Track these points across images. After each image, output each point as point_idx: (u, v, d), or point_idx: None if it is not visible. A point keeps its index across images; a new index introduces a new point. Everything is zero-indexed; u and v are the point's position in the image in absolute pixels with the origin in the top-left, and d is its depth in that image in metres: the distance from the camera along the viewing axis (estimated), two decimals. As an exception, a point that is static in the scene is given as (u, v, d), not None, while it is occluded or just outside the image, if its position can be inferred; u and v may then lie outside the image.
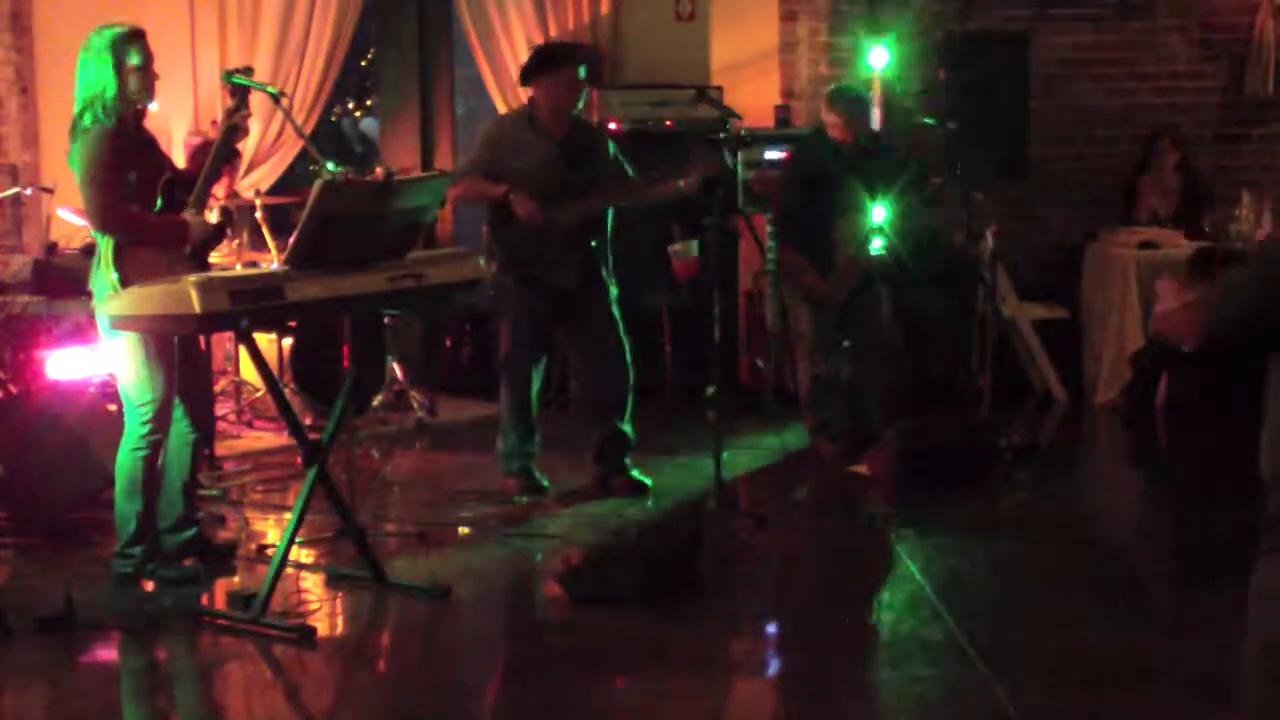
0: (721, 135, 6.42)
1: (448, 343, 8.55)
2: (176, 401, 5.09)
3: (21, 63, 7.81)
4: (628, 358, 6.23)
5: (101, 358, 5.59)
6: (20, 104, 7.84)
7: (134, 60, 4.94)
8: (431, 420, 7.75)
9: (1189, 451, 7.24)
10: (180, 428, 5.15)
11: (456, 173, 6.42)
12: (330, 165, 5.10)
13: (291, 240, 4.69)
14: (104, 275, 4.91)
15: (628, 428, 6.28)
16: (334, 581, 5.16)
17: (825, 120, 6.74)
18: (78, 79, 4.94)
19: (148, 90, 5.03)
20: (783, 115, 8.30)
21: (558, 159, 6.05)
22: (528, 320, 6.16)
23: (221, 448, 6.84)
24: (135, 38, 4.98)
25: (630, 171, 6.18)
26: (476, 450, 7.00)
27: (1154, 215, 8.22)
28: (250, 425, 7.55)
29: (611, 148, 6.23)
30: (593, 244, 6.12)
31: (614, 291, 6.20)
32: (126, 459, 5.04)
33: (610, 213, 6.16)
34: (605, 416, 6.29)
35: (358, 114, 13.17)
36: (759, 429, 7.41)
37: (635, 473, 6.31)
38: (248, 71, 5.16)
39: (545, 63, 6.10)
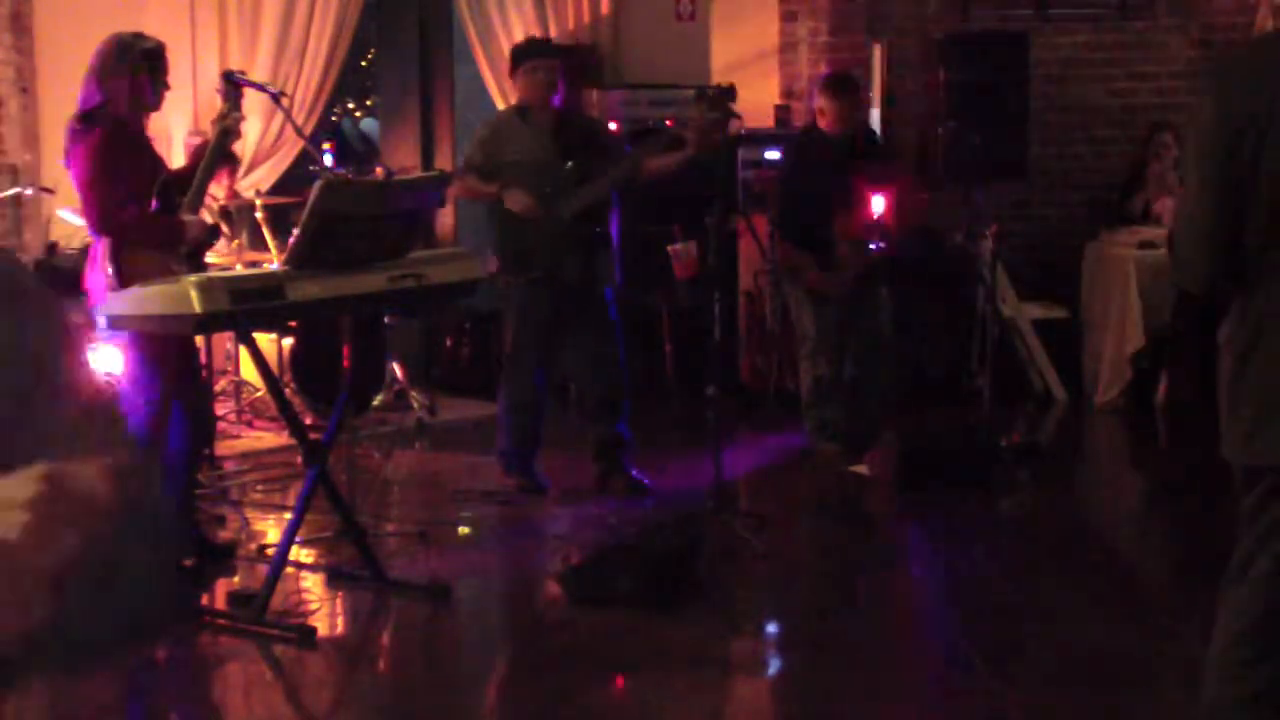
0: (703, 87, 6.20)
1: (448, 343, 8.55)
2: (175, 401, 5.09)
3: (22, 63, 7.79)
4: (622, 359, 6.25)
5: (100, 358, 5.58)
6: (20, 104, 7.82)
7: (152, 75, 4.97)
8: (431, 420, 7.75)
9: (1189, 451, 7.23)
10: (179, 428, 5.15)
11: (455, 172, 6.50)
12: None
13: (292, 240, 4.69)
14: (101, 276, 4.91)
15: (625, 428, 6.29)
16: (334, 581, 5.16)
17: (818, 108, 6.71)
18: (92, 80, 4.93)
19: (157, 102, 5.07)
20: (783, 115, 8.29)
21: (551, 150, 6.11)
22: (532, 321, 6.18)
23: (221, 448, 6.84)
24: (158, 54, 5.01)
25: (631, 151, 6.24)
26: (476, 450, 7.00)
27: (1147, 207, 8.16)
28: (250, 425, 7.55)
29: (611, 132, 6.34)
30: (597, 240, 6.15)
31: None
32: (126, 459, 5.03)
33: (615, 207, 6.21)
34: (603, 417, 6.29)
35: (358, 114, 13.17)
36: (759, 429, 7.41)
37: (635, 473, 6.31)
38: (242, 75, 5.20)
39: (513, 57, 6.33)
